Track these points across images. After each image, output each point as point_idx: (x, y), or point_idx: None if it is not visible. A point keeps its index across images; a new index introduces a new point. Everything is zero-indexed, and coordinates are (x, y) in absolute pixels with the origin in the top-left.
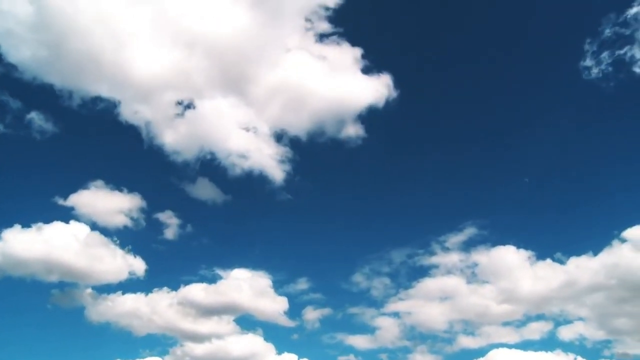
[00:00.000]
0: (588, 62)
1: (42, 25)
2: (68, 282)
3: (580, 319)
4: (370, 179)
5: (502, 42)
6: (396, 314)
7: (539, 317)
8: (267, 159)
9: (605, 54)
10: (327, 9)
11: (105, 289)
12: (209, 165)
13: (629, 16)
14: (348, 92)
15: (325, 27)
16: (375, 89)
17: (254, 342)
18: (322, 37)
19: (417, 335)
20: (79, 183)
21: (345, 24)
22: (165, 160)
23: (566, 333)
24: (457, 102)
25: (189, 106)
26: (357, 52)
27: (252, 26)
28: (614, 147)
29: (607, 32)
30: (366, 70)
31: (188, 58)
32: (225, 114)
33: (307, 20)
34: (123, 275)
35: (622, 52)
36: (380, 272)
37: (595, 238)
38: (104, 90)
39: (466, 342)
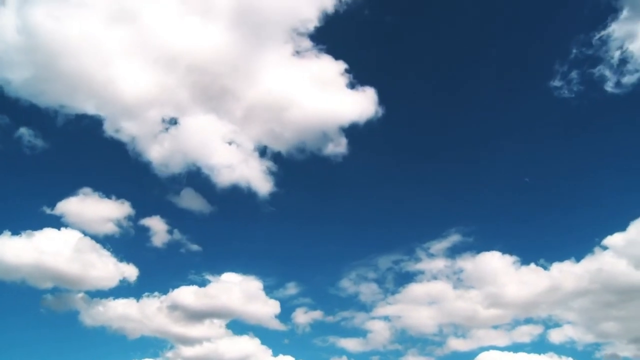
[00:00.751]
0: (557, 82)
1: (30, 47)
2: (60, 288)
3: (569, 322)
4: (355, 189)
5: (479, 61)
6: (386, 318)
7: (528, 321)
8: (252, 173)
9: (575, 74)
10: (309, 24)
11: (97, 294)
12: (195, 179)
13: (598, 37)
14: (331, 107)
15: (307, 42)
16: (359, 103)
17: (247, 344)
18: (304, 52)
19: (408, 339)
20: (68, 191)
21: (328, 39)
22: (151, 172)
23: (556, 336)
24: (439, 115)
25: (173, 122)
26: (341, 66)
27: (234, 42)
28: (592, 161)
29: (577, 52)
30: (349, 85)
31: (171, 75)
32: (209, 129)
33: (289, 35)
34: (114, 281)
35: (592, 71)
36: (366, 277)
37: (577, 245)
38: (90, 108)
39: (456, 344)
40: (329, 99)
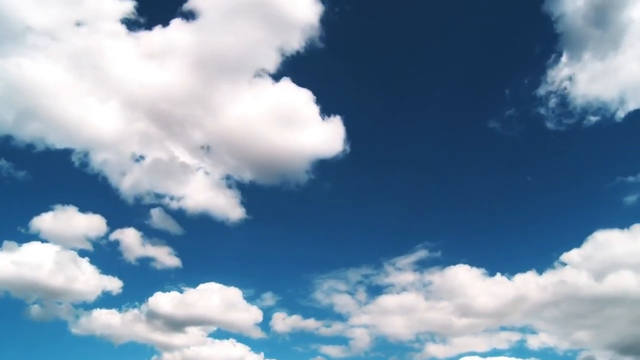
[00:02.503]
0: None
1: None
2: (45, 299)
3: (543, 331)
4: (323, 208)
5: (427, 95)
6: (365, 326)
7: (503, 329)
8: (220, 201)
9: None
10: (270, 60)
11: (81, 305)
12: (165, 207)
13: (540, 79)
14: (296, 136)
15: (274, 72)
16: (324, 130)
17: (230, 351)
18: (266, 84)
19: (388, 346)
20: (44, 206)
21: (295, 71)
22: (122, 198)
23: (534, 343)
24: (402, 141)
25: (140, 157)
26: (305, 97)
27: (200, 76)
28: (543, 187)
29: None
30: (316, 115)
31: (137, 111)
32: (177, 161)
33: (256, 67)
34: (96, 293)
35: (533, 109)
36: (338, 290)
37: (538, 259)
38: (60, 142)
39: (435, 351)
40: (294, 128)
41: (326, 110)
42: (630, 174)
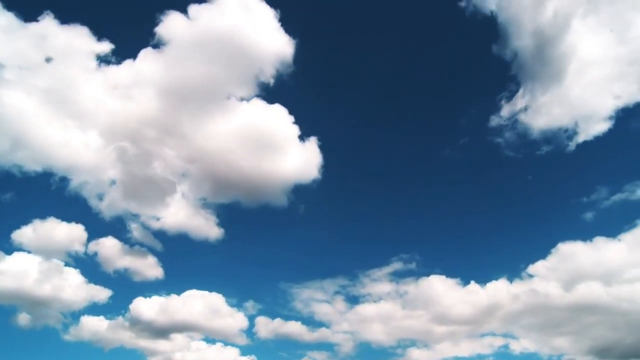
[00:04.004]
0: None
1: None
2: (33, 308)
3: (522, 337)
4: (299, 226)
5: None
6: (347, 332)
7: (484, 335)
8: (198, 222)
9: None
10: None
11: (70, 314)
12: (144, 224)
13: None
14: (271, 159)
15: (247, 96)
16: (303, 154)
17: (218, 356)
18: (245, 105)
19: (371, 351)
20: (27, 219)
21: (269, 96)
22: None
23: (516, 348)
24: (375, 163)
25: (113, 183)
26: (282, 121)
27: (170, 103)
28: (505, 204)
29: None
30: (292, 138)
31: (111, 138)
32: (154, 184)
33: (228, 93)
34: (83, 301)
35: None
36: (317, 299)
37: (507, 268)
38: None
39: (418, 355)
40: (270, 151)
41: (304, 134)
42: (584, 195)
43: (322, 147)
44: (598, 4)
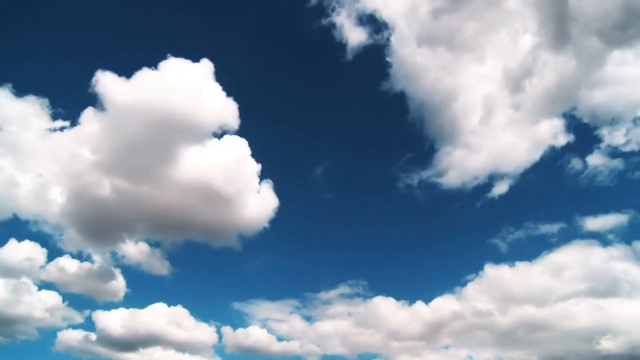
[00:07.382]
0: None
1: None
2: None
3: (479, 349)
4: (249, 262)
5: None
6: (314, 345)
7: (447, 347)
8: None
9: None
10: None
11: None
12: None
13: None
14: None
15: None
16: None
17: None
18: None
19: None
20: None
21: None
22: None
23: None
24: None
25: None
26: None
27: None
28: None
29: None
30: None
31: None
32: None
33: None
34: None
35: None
36: (275, 318)
37: (445, 288)
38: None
39: None
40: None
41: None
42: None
43: (275, 188)
44: None
